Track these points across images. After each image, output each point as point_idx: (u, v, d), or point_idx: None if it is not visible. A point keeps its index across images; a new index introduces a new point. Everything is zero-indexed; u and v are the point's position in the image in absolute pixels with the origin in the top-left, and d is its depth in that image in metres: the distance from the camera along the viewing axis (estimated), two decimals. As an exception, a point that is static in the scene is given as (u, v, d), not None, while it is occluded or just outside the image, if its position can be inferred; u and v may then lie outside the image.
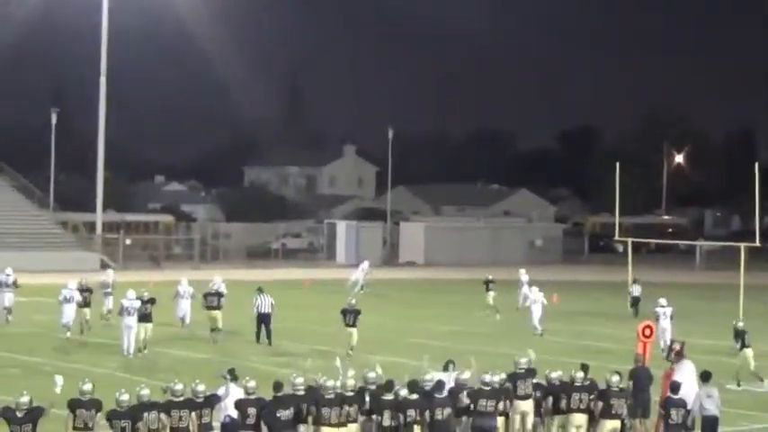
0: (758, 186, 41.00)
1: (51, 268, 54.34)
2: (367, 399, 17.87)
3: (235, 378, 18.21)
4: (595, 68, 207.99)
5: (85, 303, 34.58)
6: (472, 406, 18.25)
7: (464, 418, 18.38)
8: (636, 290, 42.77)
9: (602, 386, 18.94)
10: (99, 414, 16.21)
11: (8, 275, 37.99)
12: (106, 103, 66.61)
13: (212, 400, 17.21)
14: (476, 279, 45.00)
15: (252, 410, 17.07)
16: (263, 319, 33.04)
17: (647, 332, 23.89)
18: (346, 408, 17.45)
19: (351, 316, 30.75)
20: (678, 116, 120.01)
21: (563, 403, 18.88)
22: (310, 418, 17.55)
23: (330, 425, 17.31)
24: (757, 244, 42.48)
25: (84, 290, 34.97)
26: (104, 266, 56.14)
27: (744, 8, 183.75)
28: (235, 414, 17.38)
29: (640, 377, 20.58)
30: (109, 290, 37.89)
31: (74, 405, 16.06)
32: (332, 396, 17.39)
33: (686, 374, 20.32)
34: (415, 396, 17.76)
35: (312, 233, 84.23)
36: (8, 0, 78.27)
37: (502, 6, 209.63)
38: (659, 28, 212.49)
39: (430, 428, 17.61)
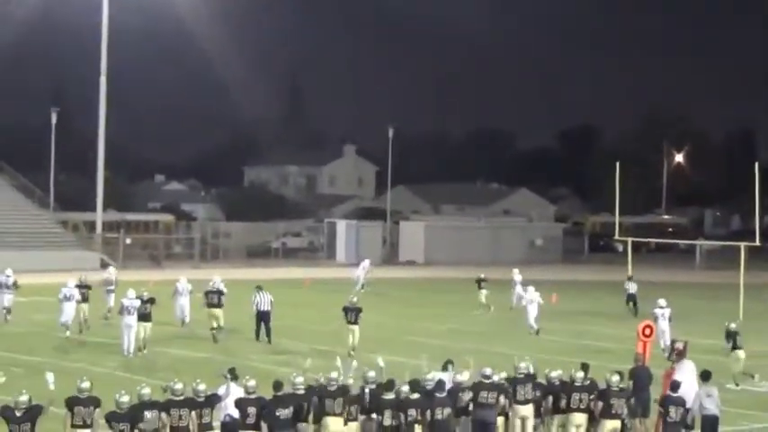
0: (758, 186, 41.07)
1: (51, 268, 54.30)
2: (367, 399, 17.91)
3: (235, 377, 18.21)
4: (595, 68, 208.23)
5: (84, 299, 34.73)
6: (473, 398, 18.27)
7: (463, 418, 18.39)
8: (631, 287, 42.80)
9: (602, 386, 18.94)
10: (98, 410, 16.22)
11: (8, 276, 37.98)
12: (106, 103, 66.62)
13: (213, 400, 17.22)
14: (475, 278, 45.10)
15: (252, 410, 17.09)
16: (263, 317, 33.15)
17: (647, 332, 23.92)
18: (348, 406, 17.54)
19: (352, 314, 30.88)
20: (678, 116, 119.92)
21: (563, 403, 18.89)
22: (311, 417, 17.59)
23: (335, 414, 17.45)
24: (757, 243, 42.56)
25: (83, 286, 35.19)
26: (104, 266, 56.10)
27: (744, 8, 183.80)
28: (235, 413, 17.39)
29: (640, 376, 20.60)
30: (111, 287, 38.05)
31: (72, 403, 16.08)
32: (335, 387, 17.62)
33: (686, 374, 20.34)
34: (416, 395, 17.77)
35: (312, 232, 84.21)
36: (8, -1, 78.28)
37: (502, 6, 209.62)
38: (659, 28, 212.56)
39: (430, 428, 17.63)
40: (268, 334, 32.96)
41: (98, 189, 66.75)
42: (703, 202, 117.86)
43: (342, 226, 76.03)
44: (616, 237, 52.02)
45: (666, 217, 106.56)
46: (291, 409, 17.20)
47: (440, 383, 18.13)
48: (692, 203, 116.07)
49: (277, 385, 17.48)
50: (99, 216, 67.23)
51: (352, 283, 50.29)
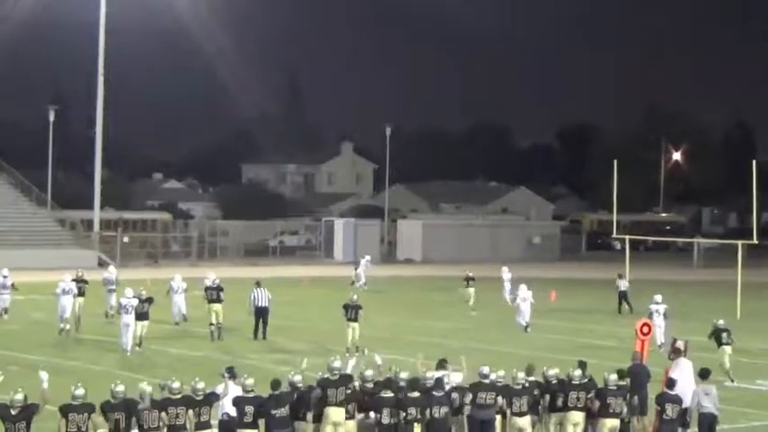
0: (756, 184, 41.05)
1: (49, 266, 54.21)
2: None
3: (234, 376, 18.20)
4: (594, 66, 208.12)
5: (80, 293, 34.92)
6: (471, 398, 18.24)
7: (459, 417, 18.37)
8: (622, 284, 42.86)
9: (600, 384, 18.88)
10: (93, 415, 16.16)
11: (5, 277, 38.03)
12: (104, 101, 66.60)
13: (211, 399, 17.19)
14: (475, 277, 45.15)
15: (249, 408, 17.07)
16: (261, 313, 33.22)
17: (645, 330, 23.91)
18: (346, 403, 17.54)
19: (352, 311, 30.98)
20: (676, 114, 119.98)
21: (560, 401, 18.83)
22: (310, 416, 17.55)
23: (337, 404, 17.50)
24: (755, 241, 42.56)
25: (80, 281, 35.46)
26: (102, 264, 56.07)
27: (744, 7, 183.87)
28: (233, 412, 17.37)
29: (638, 374, 20.58)
30: (112, 286, 38.06)
31: (66, 410, 15.92)
32: (336, 377, 17.67)
33: (684, 372, 20.31)
34: (416, 394, 17.76)
35: (310, 231, 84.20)
36: (6, -2, 78.19)
37: (501, 4, 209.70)
38: (658, 26, 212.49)
39: (428, 426, 17.62)
40: (264, 330, 33.03)
41: (95, 187, 66.77)
42: (701, 200, 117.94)
43: (339, 224, 75.99)
44: (614, 235, 52.07)
45: (664, 215, 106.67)
46: (288, 407, 17.18)
47: (438, 382, 18.11)
48: (690, 201, 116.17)
49: (274, 384, 17.46)
50: (96, 214, 67.24)
51: (352, 280, 50.26)
